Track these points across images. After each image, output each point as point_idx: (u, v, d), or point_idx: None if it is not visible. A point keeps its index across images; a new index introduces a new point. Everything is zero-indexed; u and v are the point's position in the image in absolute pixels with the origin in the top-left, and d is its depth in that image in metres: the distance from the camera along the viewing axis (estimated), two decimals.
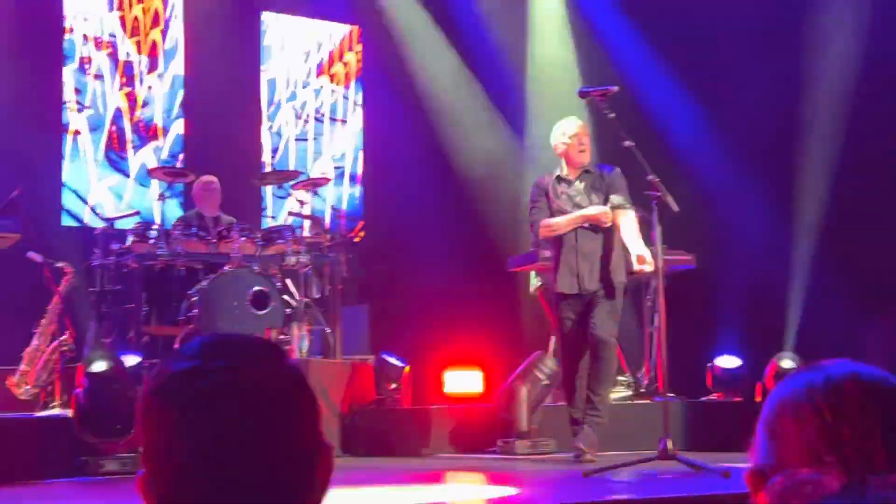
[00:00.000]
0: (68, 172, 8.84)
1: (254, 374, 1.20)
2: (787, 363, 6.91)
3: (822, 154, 8.67)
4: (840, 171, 8.60)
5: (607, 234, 5.98)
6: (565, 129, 6.11)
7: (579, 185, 6.06)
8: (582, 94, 5.83)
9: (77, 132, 8.94)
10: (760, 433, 1.31)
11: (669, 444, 4.98)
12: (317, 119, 10.21)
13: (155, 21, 9.43)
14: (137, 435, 1.25)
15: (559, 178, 6.11)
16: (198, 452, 1.16)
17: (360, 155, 10.34)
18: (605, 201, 5.97)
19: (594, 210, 5.93)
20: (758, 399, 6.96)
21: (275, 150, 9.94)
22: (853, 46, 8.58)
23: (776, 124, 8.76)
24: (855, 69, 8.61)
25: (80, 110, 8.98)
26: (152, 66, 9.35)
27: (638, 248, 5.78)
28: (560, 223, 5.98)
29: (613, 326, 5.99)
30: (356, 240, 9.77)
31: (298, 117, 10.11)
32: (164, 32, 9.43)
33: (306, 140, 10.13)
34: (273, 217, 9.43)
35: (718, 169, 9.03)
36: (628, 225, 5.92)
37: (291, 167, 9.53)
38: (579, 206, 5.99)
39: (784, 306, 8.61)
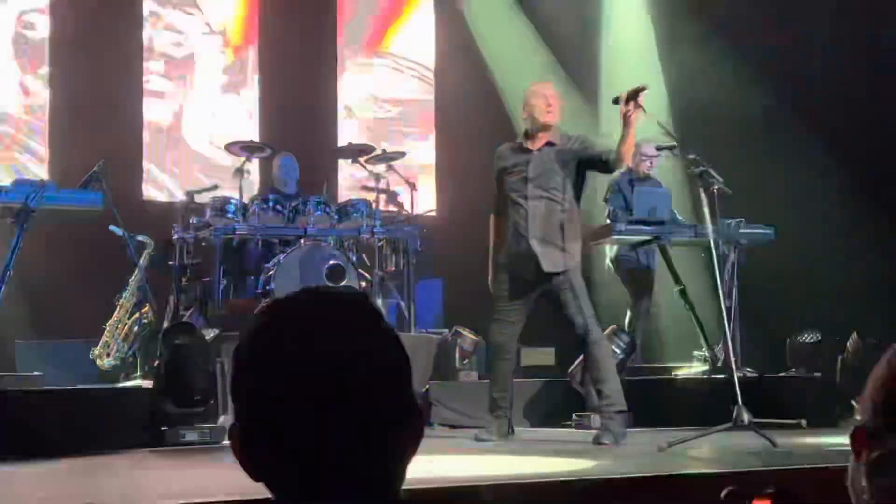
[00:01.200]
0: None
1: (352, 332, 1.19)
2: (869, 338, 6.79)
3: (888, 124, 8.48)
4: None
5: None
6: (535, 89, 5.95)
7: (539, 157, 5.82)
8: (615, 101, 5.60)
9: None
10: (871, 391, 1.30)
11: (743, 413, 4.93)
12: (392, 96, 10.22)
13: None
14: (235, 392, 1.24)
15: (518, 149, 5.89)
16: (294, 410, 1.16)
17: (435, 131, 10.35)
18: (576, 167, 5.79)
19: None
20: (838, 377, 6.86)
21: (353, 127, 9.98)
22: None
23: (856, 94, 8.58)
24: None
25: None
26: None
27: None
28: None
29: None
30: (433, 213, 9.78)
31: (375, 94, 10.13)
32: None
33: (383, 119, 10.16)
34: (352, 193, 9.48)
35: (798, 142, 8.88)
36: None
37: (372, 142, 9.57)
38: (532, 185, 5.79)
39: (865, 279, 8.45)
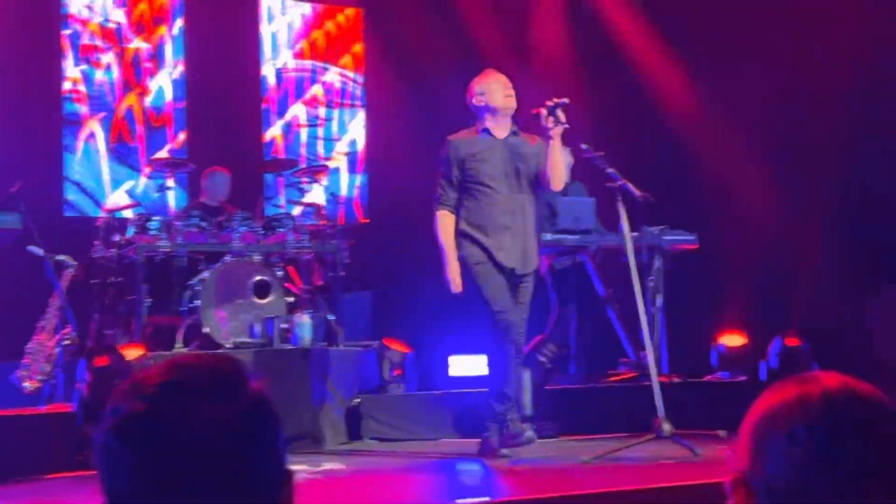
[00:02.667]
0: (75, 165, 8.86)
1: (208, 414, 1.18)
2: (791, 341, 6.88)
3: (828, 130, 8.60)
4: (846, 147, 8.53)
5: None
6: (489, 74, 5.64)
7: (511, 146, 5.55)
8: (535, 113, 5.40)
9: (84, 123, 8.96)
10: (747, 439, 1.24)
11: (666, 425, 4.97)
12: (325, 105, 10.18)
13: (160, 14, 9.41)
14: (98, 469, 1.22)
15: (480, 135, 5.57)
16: (154, 496, 1.15)
17: (364, 142, 10.32)
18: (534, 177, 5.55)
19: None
20: (762, 379, 6.95)
21: (282, 139, 9.92)
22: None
23: (780, 99, 8.70)
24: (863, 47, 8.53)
25: (88, 105, 8.99)
26: (157, 57, 9.35)
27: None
28: None
29: None
30: (363, 224, 9.77)
31: (306, 105, 10.09)
32: (169, 26, 9.42)
33: (315, 126, 10.11)
34: (279, 206, 9.43)
35: (721, 145, 8.98)
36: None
37: (294, 155, 9.53)
38: (510, 176, 5.54)
39: (789, 283, 8.57)
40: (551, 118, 5.33)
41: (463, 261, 5.51)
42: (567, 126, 5.37)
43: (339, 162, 10.16)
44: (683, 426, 5.21)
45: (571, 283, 7.71)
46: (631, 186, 5.44)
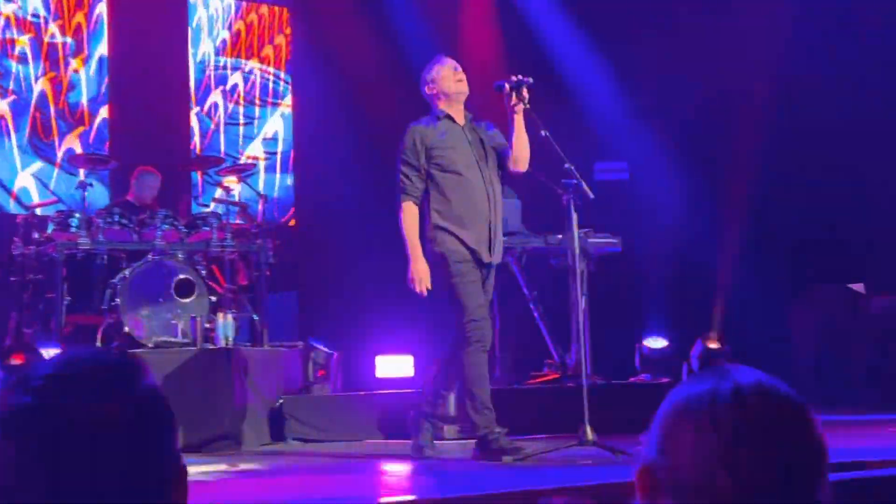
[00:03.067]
0: None
1: (98, 409, 1.15)
2: (711, 343, 6.99)
3: (748, 136, 8.74)
4: (767, 153, 8.69)
5: None
6: (439, 60, 5.44)
7: (474, 133, 5.34)
8: (497, 88, 5.22)
9: (0, 117, 8.78)
10: (657, 429, 1.23)
11: (588, 431, 5.00)
12: (245, 103, 10.10)
13: (79, 2, 9.25)
14: None
15: (442, 122, 5.31)
16: (39, 491, 1.12)
17: (291, 141, 10.26)
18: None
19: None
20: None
21: (204, 135, 9.83)
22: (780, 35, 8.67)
23: (701, 106, 8.83)
24: (781, 54, 8.69)
25: (3, 96, 8.81)
26: (77, 49, 9.19)
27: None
28: None
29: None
30: (290, 224, 9.72)
31: (228, 100, 10.00)
32: (88, 14, 9.27)
33: (237, 124, 10.03)
34: (205, 204, 9.33)
35: (644, 151, 9.09)
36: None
37: (222, 152, 9.44)
38: (481, 163, 5.31)
39: (710, 286, 8.70)
40: (514, 95, 5.17)
41: (441, 257, 5.21)
42: (528, 107, 5.19)
43: (265, 161, 10.09)
44: (605, 428, 5.24)
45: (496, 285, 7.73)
46: (584, 185, 5.17)
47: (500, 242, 5.35)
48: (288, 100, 10.29)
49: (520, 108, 5.19)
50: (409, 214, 5.24)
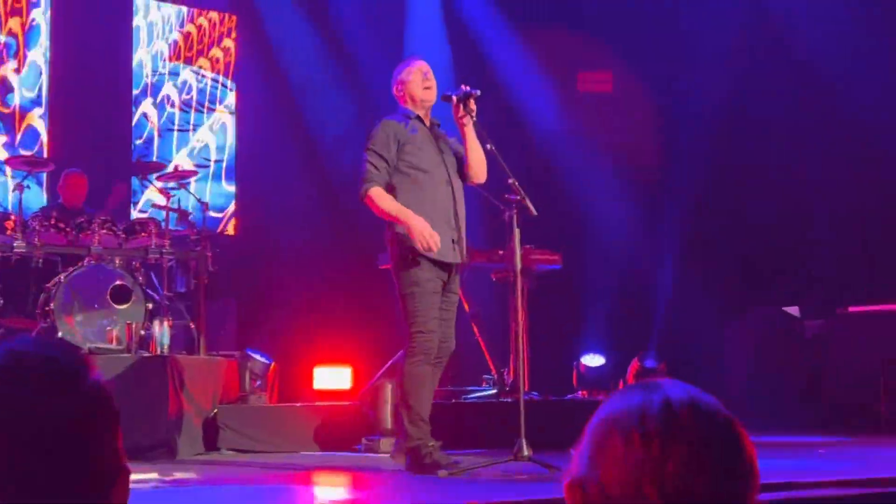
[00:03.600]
0: None
1: (40, 403, 1.13)
2: (648, 362, 7.05)
3: (687, 158, 8.85)
4: (705, 175, 8.79)
5: None
6: (409, 64, 5.39)
7: (441, 137, 5.29)
8: (445, 98, 5.22)
9: None
10: (587, 442, 1.23)
11: (524, 446, 5.00)
12: (186, 108, 10.00)
13: (15, 8, 9.12)
14: None
15: (412, 122, 5.24)
16: None
17: (234, 149, 10.19)
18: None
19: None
20: None
21: (143, 140, 9.72)
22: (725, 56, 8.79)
23: (643, 126, 8.92)
24: (724, 77, 8.81)
25: None
26: (14, 50, 9.06)
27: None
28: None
29: None
30: (230, 233, 9.65)
31: (169, 106, 9.91)
32: (28, 13, 9.14)
33: (175, 130, 9.93)
34: (143, 210, 9.23)
35: (585, 170, 9.15)
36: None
37: (159, 158, 9.36)
38: (448, 164, 5.27)
39: (648, 306, 8.78)
40: (462, 106, 5.16)
41: (403, 257, 5.08)
42: (475, 119, 5.19)
43: (206, 168, 10.00)
44: (542, 444, 5.26)
45: None
46: (528, 201, 5.13)
47: (464, 241, 5.27)
48: (227, 105, 10.20)
49: (467, 119, 5.19)
50: (378, 194, 5.10)
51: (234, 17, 10.28)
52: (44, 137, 9.09)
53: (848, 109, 8.73)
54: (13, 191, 7.22)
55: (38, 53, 9.17)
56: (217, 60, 10.19)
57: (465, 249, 5.28)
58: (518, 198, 5.19)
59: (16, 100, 9.04)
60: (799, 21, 8.85)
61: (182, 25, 10.05)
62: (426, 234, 4.99)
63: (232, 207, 10.05)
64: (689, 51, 8.90)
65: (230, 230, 9.86)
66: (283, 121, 9.88)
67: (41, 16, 9.19)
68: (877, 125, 8.66)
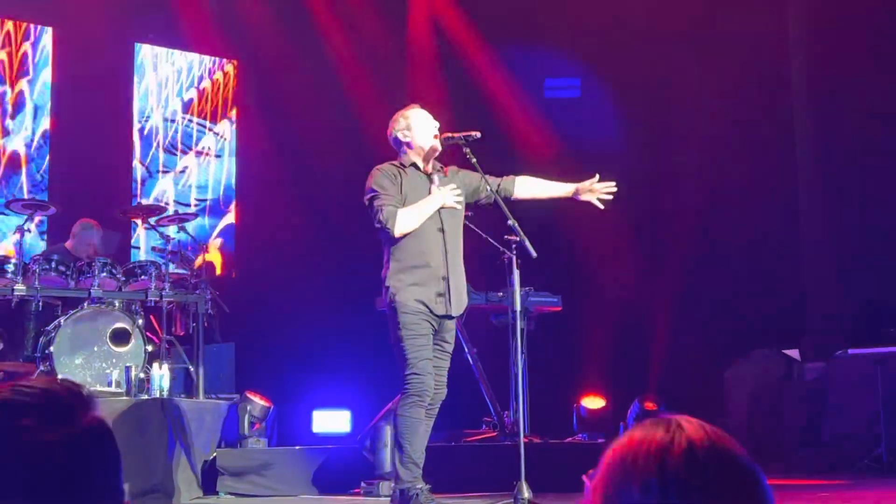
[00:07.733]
0: None
1: (39, 437, 1.14)
2: (648, 404, 7.02)
3: (688, 197, 8.87)
4: (702, 216, 8.81)
5: None
6: (415, 110, 5.35)
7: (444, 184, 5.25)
8: (445, 140, 5.29)
9: None
10: (602, 479, 1.18)
11: (524, 489, 4.98)
12: (186, 152, 10.05)
13: (22, 68, 9.19)
14: None
15: (409, 171, 5.24)
16: None
17: (233, 191, 10.23)
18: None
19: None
20: None
21: (143, 184, 9.76)
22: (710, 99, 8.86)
23: (639, 168, 8.96)
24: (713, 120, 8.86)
25: None
26: (18, 96, 9.12)
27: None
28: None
29: None
30: (231, 276, 9.66)
31: (170, 151, 9.95)
32: (34, 63, 9.21)
33: (174, 172, 9.97)
34: (146, 254, 9.24)
35: (584, 212, 9.17)
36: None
37: (161, 201, 9.39)
38: (446, 214, 5.21)
39: (649, 348, 8.77)
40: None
41: (398, 305, 5.08)
42: (474, 160, 5.25)
43: (206, 211, 10.04)
44: (541, 487, 5.24)
45: None
46: (528, 243, 5.13)
47: (464, 292, 5.26)
48: (231, 151, 10.25)
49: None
50: (401, 214, 5.09)
51: (235, 63, 10.35)
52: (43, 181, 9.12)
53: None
54: (14, 234, 7.24)
55: (46, 95, 9.22)
56: (218, 106, 10.25)
57: (461, 299, 5.24)
58: (517, 239, 5.20)
59: (21, 145, 9.09)
60: None
61: (185, 72, 10.12)
62: (445, 192, 5.11)
63: (231, 251, 10.05)
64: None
65: (229, 274, 9.85)
66: (283, 164, 9.92)
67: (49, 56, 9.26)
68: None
